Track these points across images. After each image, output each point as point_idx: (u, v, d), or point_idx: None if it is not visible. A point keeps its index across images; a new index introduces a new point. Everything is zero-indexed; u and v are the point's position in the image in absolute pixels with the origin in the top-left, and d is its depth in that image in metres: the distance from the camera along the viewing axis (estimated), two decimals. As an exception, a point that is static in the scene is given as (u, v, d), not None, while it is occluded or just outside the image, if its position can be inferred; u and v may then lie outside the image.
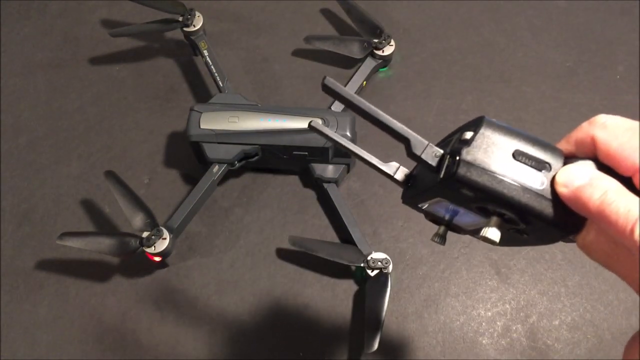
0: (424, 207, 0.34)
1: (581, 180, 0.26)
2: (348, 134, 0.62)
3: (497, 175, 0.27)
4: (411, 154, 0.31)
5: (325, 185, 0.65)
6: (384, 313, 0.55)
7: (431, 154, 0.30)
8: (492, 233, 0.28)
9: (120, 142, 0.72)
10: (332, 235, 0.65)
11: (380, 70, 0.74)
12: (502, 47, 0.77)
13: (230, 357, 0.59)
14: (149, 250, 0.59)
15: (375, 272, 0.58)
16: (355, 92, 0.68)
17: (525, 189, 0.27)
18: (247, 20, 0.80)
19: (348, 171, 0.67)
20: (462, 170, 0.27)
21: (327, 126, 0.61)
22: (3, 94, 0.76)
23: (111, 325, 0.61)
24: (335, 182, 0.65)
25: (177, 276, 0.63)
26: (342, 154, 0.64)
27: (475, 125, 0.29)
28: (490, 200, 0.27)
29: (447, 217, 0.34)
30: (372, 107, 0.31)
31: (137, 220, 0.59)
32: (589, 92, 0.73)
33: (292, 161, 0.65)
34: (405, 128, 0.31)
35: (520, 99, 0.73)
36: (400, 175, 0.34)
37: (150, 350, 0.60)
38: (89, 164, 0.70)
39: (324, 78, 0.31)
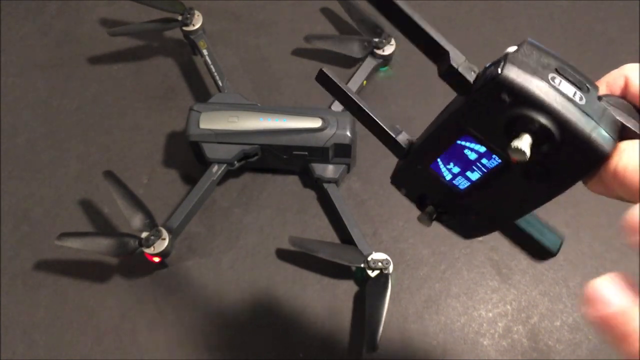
0: (422, 168, 0.33)
1: None
2: (348, 133, 0.61)
3: (542, 81, 0.27)
4: (448, 69, 0.30)
5: (325, 185, 0.65)
6: (384, 314, 0.54)
7: (468, 68, 0.30)
8: (524, 143, 0.26)
9: (119, 142, 0.71)
10: (332, 236, 0.65)
11: (381, 69, 0.74)
12: (503, 46, 0.75)
13: (229, 358, 0.59)
14: (148, 250, 0.58)
15: (376, 272, 0.58)
16: (356, 92, 0.68)
17: (569, 99, 0.26)
18: (247, 20, 0.80)
19: (348, 171, 0.67)
20: (507, 71, 0.27)
21: (327, 126, 0.61)
22: (2, 93, 0.75)
23: (110, 326, 0.61)
24: (335, 182, 0.65)
25: (177, 277, 0.63)
26: (342, 154, 0.64)
27: (519, 45, 0.29)
28: (532, 106, 0.27)
29: (447, 177, 0.33)
30: (411, 10, 0.30)
31: (136, 220, 0.59)
32: (590, 91, 0.72)
33: (292, 161, 0.65)
34: (445, 39, 0.30)
35: (521, 98, 0.72)
36: (402, 139, 0.34)
37: (150, 351, 0.59)
38: (88, 164, 0.70)
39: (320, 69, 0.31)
